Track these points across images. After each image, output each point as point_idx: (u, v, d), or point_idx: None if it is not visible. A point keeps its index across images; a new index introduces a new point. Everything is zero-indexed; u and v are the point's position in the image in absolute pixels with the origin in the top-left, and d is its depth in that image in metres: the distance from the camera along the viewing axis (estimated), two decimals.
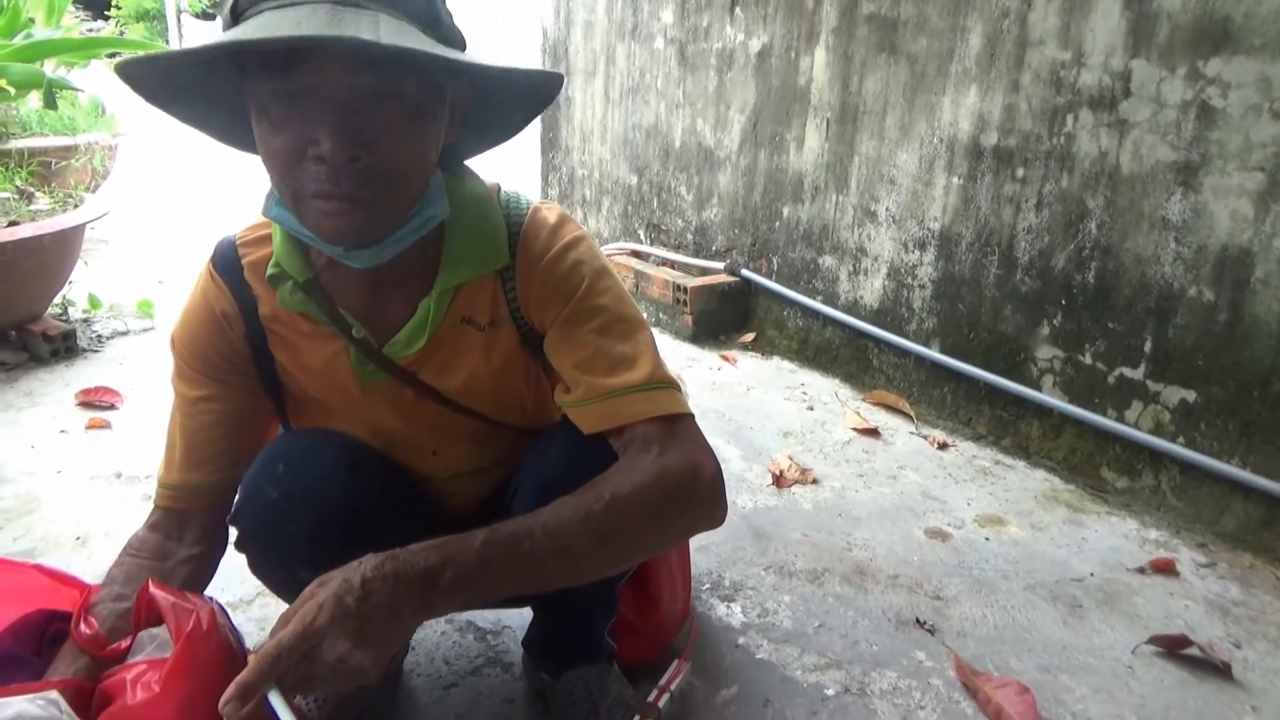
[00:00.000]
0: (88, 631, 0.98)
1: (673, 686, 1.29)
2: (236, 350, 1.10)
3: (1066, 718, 1.36)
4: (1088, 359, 2.19)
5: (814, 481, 2.12)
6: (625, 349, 1.04)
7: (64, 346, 2.83)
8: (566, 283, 1.05)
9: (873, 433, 2.45)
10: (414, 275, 1.04)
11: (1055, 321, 2.26)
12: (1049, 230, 2.26)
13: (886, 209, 2.71)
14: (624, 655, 1.36)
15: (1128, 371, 2.11)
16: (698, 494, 0.97)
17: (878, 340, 2.76)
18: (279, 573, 1.12)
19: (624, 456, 0.99)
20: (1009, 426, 2.40)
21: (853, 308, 2.86)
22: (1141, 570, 1.79)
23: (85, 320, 3.18)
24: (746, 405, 2.64)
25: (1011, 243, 2.35)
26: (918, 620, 1.59)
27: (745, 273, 3.26)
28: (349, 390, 1.09)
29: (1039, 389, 2.30)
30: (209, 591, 1.09)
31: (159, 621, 0.96)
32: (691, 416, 1.04)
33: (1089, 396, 2.19)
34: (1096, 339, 2.17)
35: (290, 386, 1.13)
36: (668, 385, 1.04)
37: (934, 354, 2.56)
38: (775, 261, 3.17)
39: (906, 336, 2.66)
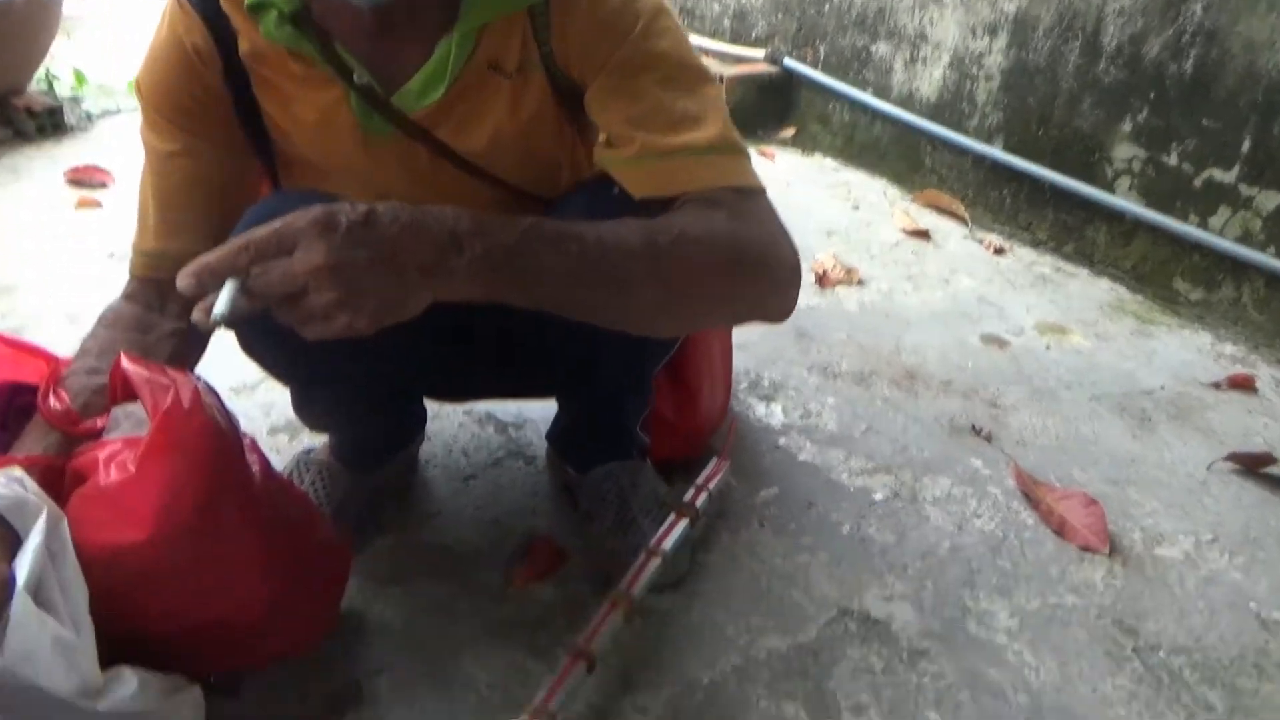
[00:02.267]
0: (57, 406, 0.85)
1: (711, 485, 1.19)
2: (212, 93, 0.91)
3: (1135, 532, 1.26)
4: (1173, 159, 1.97)
5: (859, 282, 1.96)
6: (690, 105, 0.84)
7: (50, 123, 2.63)
8: (617, 22, 0.84)
9: (923, 235, 2.26)
10: (429, 12, 0.84)
11: (1140, 117, 2.02)
12: (1144, 12, 1.98)
13: None
14: (657, 453, 1.25)
15: (1218, 174, 1.89)
16: (772, 269, 0.81)
17: (932, 137, 2.51)
18: (275, 354, 0.99)
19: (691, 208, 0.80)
20: (1073, 232, 2.20)
21: (906, 101, 2.60)
22: (1216, 385, 1.65)
23: (73, 99, 2.95)
24: (786, 202, 2.41)
25: (1098, 27, 2.07)
26: (973, 427, 1.47)
27: (788, 62, 2.96)
28: (350, 148, 0.91)
29: (1112, 192, 2.09)
30: (203, 373, 0.96)
31: (134, 398, 0.83)
32: (765, 192, 0.85)
33: (1169, 201, 1.98)
34: (1186, 137, 1.94)
35: (281, 143, 0.95)
36: (738, 151, 0.85)
37: (996, 152, 2.32)
38: (822, 49, 2.87)
39: (966, 133, 2.42)
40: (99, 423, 0.85)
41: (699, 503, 1.15)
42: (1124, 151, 2.06)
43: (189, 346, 0.97)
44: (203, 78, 0.90)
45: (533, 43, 0.88)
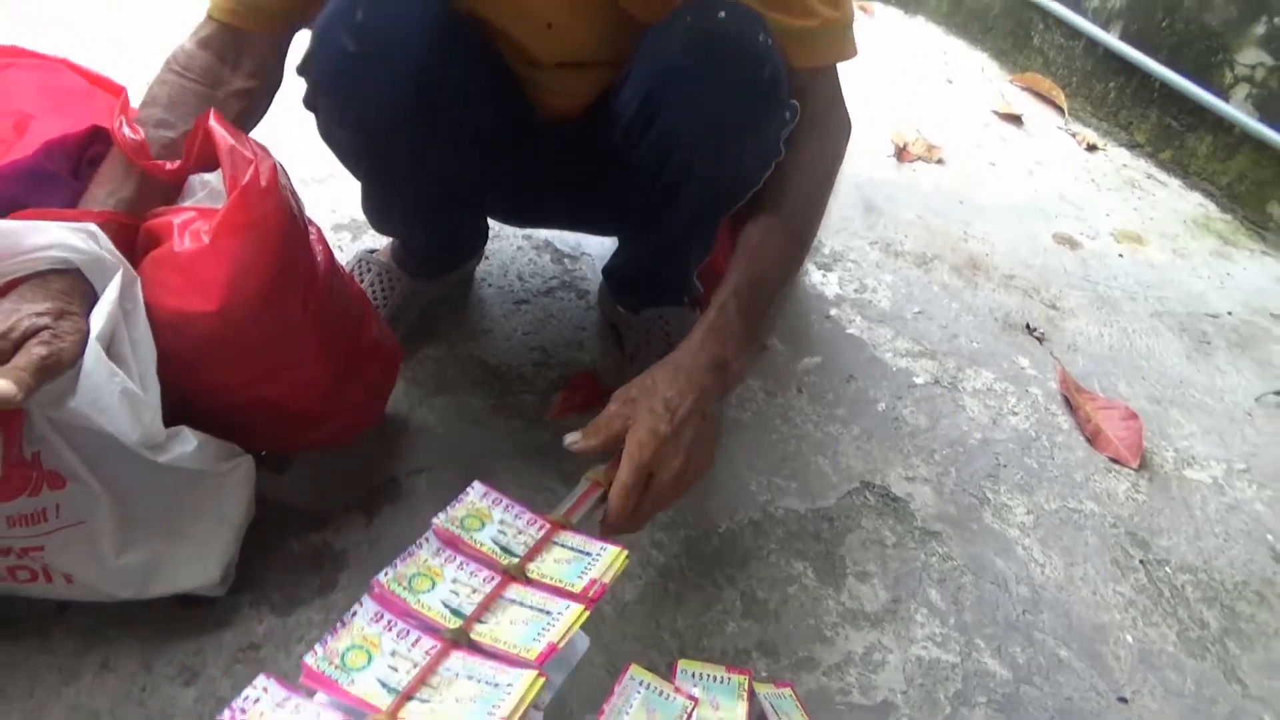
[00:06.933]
0: (133, 136, 0.83)
1: None
2: None
3: (1169, 451, 1.26)
4: None
5: (939, 161, 1.89)
6: None
7: None
8: None
9: (1015, 119, 2.16)
10: None
11: (1278, 20, 1.87)
12: None
13: None
14: (709, 303, 1.25)
15: None
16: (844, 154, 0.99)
17: (1046, 13, 2.35)
18: (353, 140, 0.98)
19: (797, 135, 0.92)
20: (1174, 139, 2.09)
21: None
22: None
23: None
24: (877, 65, 2.33)
25: None
26: (1028, 326, 1.45)
27: None
28: None
29: (1226, 99, 1.96)
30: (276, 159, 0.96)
31: (211, 162, 0.84)
32: (854, 56, 0.96)
33: None
34: None
35: None
36: (851, 23, 0.93)
37: (1110, 39, 2.18)
38: None
39: (1084, 13, 2.26)
40: (167, 165, 0.84)
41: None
42: (1249, 57, 1.92)
43: (254, 109, 0.96)
44: None
45: None
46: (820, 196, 0.96)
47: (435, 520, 0.76)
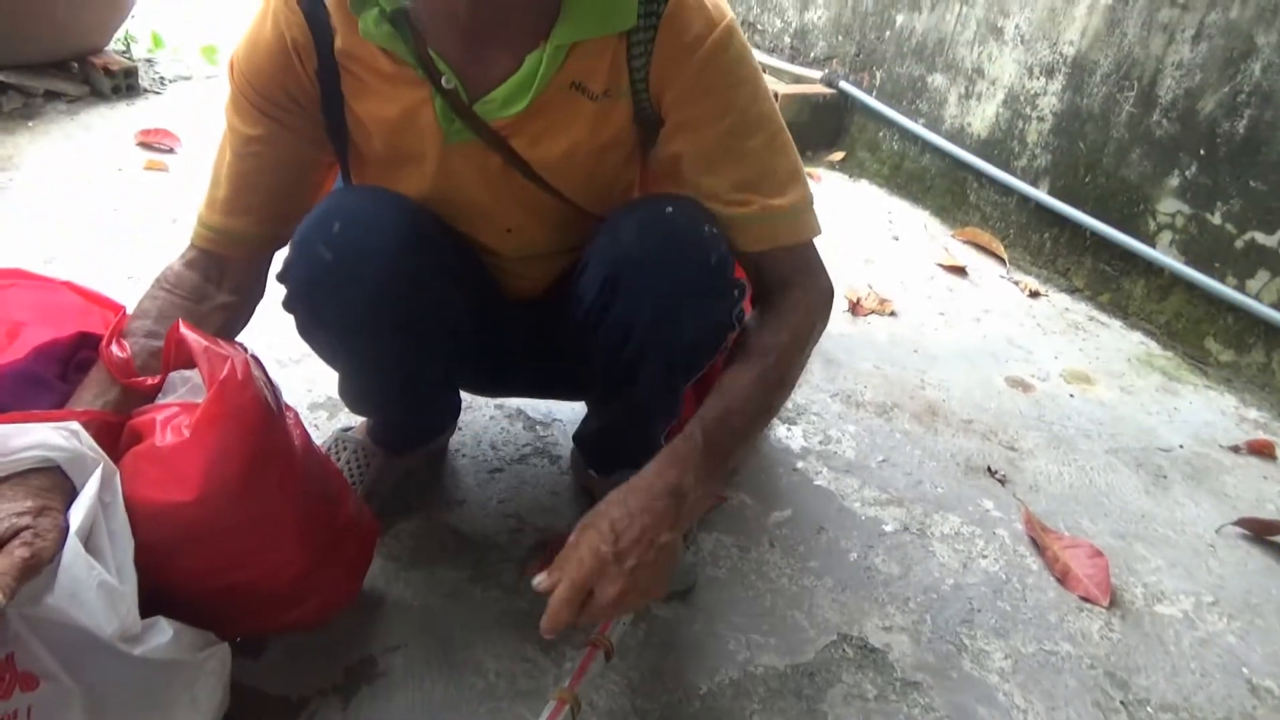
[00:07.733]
0: (119, 355, 0.89)
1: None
2: (304, 88, 0.94)
3: (1138, 587, 1.28)
4: (1216, 218, 1.97)
5: (892, 314, 1.99)
6: (788, 164, 0.97)
7: (125, 84, 2.72)
8: (725, 83, 0.92)
9: (960, 271, 2.28)
10: (523, 24, 0.88)
11: (1188, 173, 2.02)
12: (1203, 67, 1.98)
13: (1016, 26, 2.41)
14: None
15: (1260, 237, 1.90)
16: (827, 318, 1.02)
17: (979, 174, 2.53)
18: (330, 339, 1.04)
19: (770, 299, 0.98)
20: (1110, 282, 2.21)
21: (957, 135, 2.62)
22: (1236, 449, 1.66)
23: (148, 61, 3.05)
24: (828, 228, 2.46)
25: (1155, 78, 2.08)
26: (989, 469, 1.50)
27: (844, 85, 2.99)
28: (427, 149, 0.95)
29: (1153, 245, 2.10)
30: (249, 340, 1.01)
31: (189, 364, 0.88)
32: (818, 234, 1.00)
33: (1209, 260, 1.99)
34: (1232, 197, 1.94)
35: (358, 138, 0.99)
36: (812, 203, 0.99)
37: (1040, 194, 2.34)
38: (879, 76, 2.89)
39: (1013, 173, 2.43)
40: (150, 380, 0.89)
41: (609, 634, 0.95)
42: (1168, 206, 2.07)
43: (238, 319, 1.03)
44: (297, 73, 0.93)
45: (624, 68, 0.92)
46: (793, 351, 0.96)
47: None
